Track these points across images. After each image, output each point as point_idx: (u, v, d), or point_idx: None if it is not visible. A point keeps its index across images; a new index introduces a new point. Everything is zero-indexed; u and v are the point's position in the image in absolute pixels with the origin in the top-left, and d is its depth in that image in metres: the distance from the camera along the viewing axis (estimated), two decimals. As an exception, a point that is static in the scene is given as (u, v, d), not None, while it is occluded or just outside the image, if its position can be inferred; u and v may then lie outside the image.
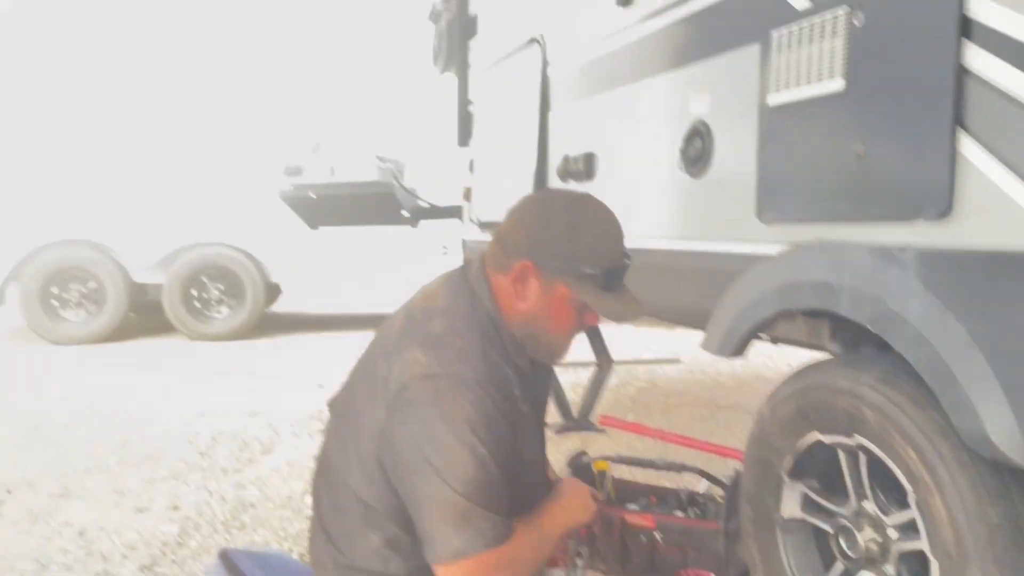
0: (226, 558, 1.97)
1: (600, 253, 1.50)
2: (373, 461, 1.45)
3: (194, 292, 6.94)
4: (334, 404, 1.68)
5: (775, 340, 2.67)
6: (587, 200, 1.57)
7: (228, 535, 2.67)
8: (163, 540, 2.63)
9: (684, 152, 2.16)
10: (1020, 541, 1.35)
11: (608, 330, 3.04)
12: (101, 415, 4.16)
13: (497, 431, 1.41)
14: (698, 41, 2.10)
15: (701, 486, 2.83)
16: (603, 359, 3.86)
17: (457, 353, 1.42)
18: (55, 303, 6.67)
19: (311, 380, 5.20)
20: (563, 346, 1.61)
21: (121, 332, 6.78)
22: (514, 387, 1.53)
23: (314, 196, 4.40)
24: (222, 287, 7.02)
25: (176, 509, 2.91)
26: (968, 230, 1.35)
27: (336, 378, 4.53)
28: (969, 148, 1.34)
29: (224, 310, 7.05)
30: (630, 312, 1.55)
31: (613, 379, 5.12)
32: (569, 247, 1.48)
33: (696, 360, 5.73)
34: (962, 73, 1.34)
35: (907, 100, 1.45)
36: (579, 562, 2.21)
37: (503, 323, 1.53)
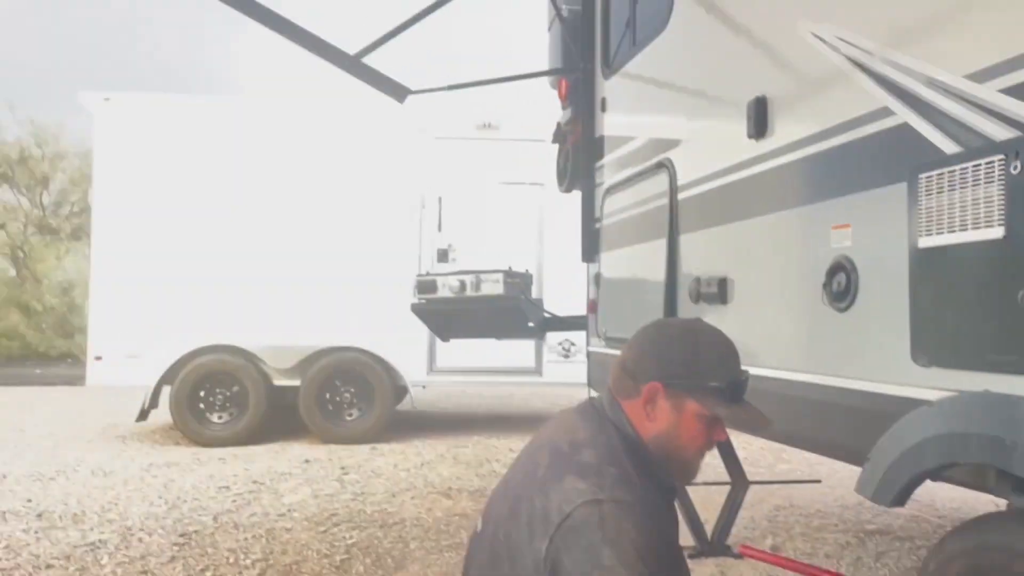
0: None
1: (722, 368, 1.58)
2: None
3: (327, 395, 7.24)
4: (478, 543, 1.71)
5: (934, 478, 2.51)
6: (700, 323, 1.68)
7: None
8: (303, 662, 2.67)
9: (827, 286, 2.12)
10: None
11: (740, 442, 2.93)
12: (244, 525, 4.34)
13: (661, 554, 1.43)
14: (840, 176, 2.09)
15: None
16: (738, 478, 3.72)
17: (615, 479, 1.46)
18: (202, 406, 7.11)
19: (437, 488, 5.26)
20: (696, 463, 1.65)
21: (260, 435, 7.11)
22: (667, 509, 1.57)
23: (444, 311, 4.56)
24: (353, 390, 7.30)
25: (315, 628, 2.97)
26: None
27: (461, 485, 4.55)
28: None
29: (355, 412, 7.30)
30: (759, 422, 1.60)
31: (751, 495, 4.90)
32: (694, 365, 1.57)
33: (836, 475, 5.41)
34: None
35: (1078, 252, 1.39)
36: None
37: (642, 447, 1.59)
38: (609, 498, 1.41)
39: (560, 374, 7.57)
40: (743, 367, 1.61)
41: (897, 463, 1.78)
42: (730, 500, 3.49)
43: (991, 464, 1.52)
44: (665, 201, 3.21)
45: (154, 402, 7.03)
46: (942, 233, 1.69)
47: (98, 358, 7.15)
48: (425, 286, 4.52)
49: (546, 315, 4.78)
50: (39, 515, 4.50)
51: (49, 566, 3.63)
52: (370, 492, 5.15)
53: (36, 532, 4.16)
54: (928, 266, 1.75)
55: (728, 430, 1.68)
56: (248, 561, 3.72)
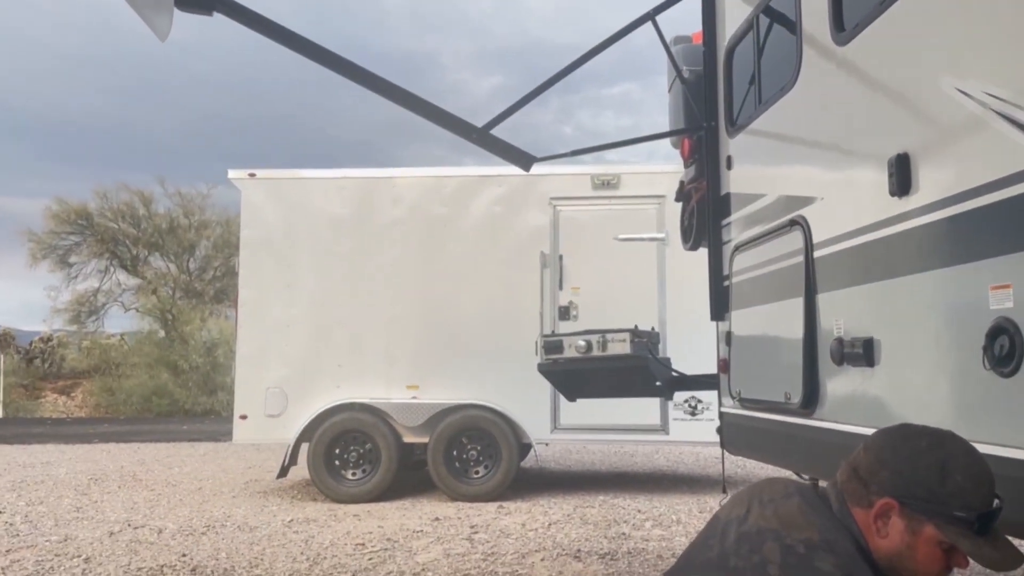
0: None
1: (972, 496, 1.49)
2: None
3: (455, 452, 7.36)
4: None
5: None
6: (953, 439, 1.57)
7: None
8: None
9: (988, 349, 2.02)
10: None
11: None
12: (380, 581, 4.45)
13: None
14: (996, 235, 2.00)
15: None
16: None
17: None
18: (337, 463, 7.38)
19: (566, 549, 5.21)
20: None
21: (391, 491, 7.30)
22: None
23: (571, 371, 4.58)
24: (480, 447, 7.40)
25: None
26: None
27: (590, 547, 4.45)
28: None
29: (481, 470, 7.38)
30: (1009, 560, 1.49)
31: None
32: (939, 488, 1.49)
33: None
34: None
35: None
36: None
37: (872, 559, 1.53)
38: None
39: (686, 432, 7.40)
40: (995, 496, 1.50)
41: (1084, 543, 1.65)
42: None
43: None
44: (800, 259, 3.14)
45: (293, 459, 7.36)
46: (1122, 296, 1.58)
47: (243, 417, 7.58)
48: (551, 346, 4.57)
49: (674, 374, 4.72)
50: (193, 569, 4.77)
51: (206, 619, 3.84)
52: (500, 552, 5.17)
53: (192, 585, 4.41)
54: (1107, 331, 1.64)
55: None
56: (387, 621, 3.80)
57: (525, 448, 7.71)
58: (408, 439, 7.44)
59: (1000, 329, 1.98)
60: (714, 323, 4.30)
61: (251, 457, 10.39)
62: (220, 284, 25.73)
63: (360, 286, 7.71)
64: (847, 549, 1.52)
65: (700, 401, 7.27)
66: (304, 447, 7.37)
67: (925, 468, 1.50)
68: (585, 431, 7.59)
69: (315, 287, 7.74)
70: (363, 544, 5.40)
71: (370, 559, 5.00)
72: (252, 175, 7.99)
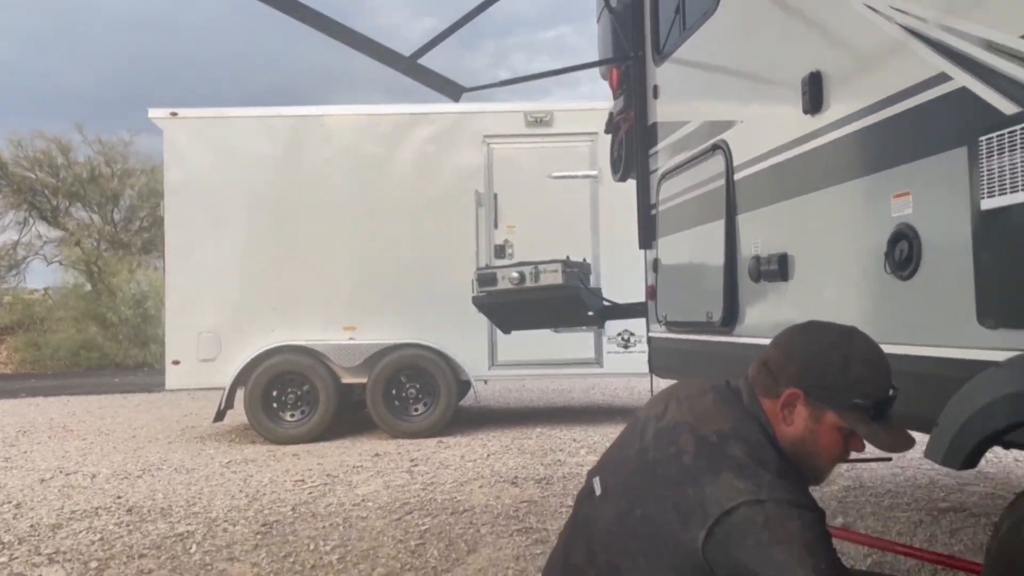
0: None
1: (870, 385, 1.60)
2: (682, 570, 1.53)
3: (393, 391, 7.42)
4: (599, 508, 1.76)
5: (1006, 445, 2.49)
6: (855, 333, 1.68)
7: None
8: (386, 639, 2.79)
9: (889, 255, 2.14)
10: None
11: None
12: (321, 514, 4.51)
13: (826, 544, 1.49)
14: (899, 145, 2.10)
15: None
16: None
17: (771, 477, 1.52)
18: (275, 405, 7.36)
19: (504, 477, 5.36)
20: (828, 469, 1.70)
21: (330, 431, 7.33)
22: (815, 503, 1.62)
23: (505, 303, 4.64)
24: (418, 386, 7.46)
25: (395, 608, 3.09)
26: None
27: (527, 474, 4.62)
28: None
29: (420, 407, 7.46)
30: (901, 443, 1.62)
31: (815, 477, 4.87)
32: (840, 379, 1.59)
33: (908, 458, 5.32)
34: None
35: None
36: None
37: (778, 445, 1.63)
38: (770, 498, 1.48)
39: (619, 365, 7.61)
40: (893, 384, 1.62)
41: (966, 425, 1.79)
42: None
43: (1062, 419, 1.53)
44: (722, 183, 3.23)
45: (229, 403, 7.30)
46: (1004, 194, 1.70)
47: (176, 362, 7.46)
48: (485, 279, 4.62)
49: (605, 303, 4.83)
50: (129, 510, 4.74)
51: (142, 555, 3.84)
52: (439, 482, 5.28)
53: (127, 525, 4.39)
54: (991, 227, 1.76)
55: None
56: (327, 547, 3.87)
57: (464, 385, 7.81)
58: (346, 380, 7.45)
59: (900, 235, 2.10)
60: (643, 253, 4.40)
61: (187, 405, 10.26)
62: (148, 235, 24.87)
63: (292, 228, 7.58)
64: (756, 437, 1.62)
65: (632, 335, 7.46)
66: (241, 392, 7.32)
67: (829, 360, 1.60)
68: (522, 367, 7.71)
69: (245, 230, 7.58)
70: (303, 480, 5.45)
71: (310, 493, 5.05)
72: (174, 114, 7.71)
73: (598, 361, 7.65)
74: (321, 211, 7.58)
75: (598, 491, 1.80)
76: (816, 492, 4.14)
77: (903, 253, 2.08)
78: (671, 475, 1.60)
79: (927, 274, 2.01)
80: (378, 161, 7.64)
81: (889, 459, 4.45)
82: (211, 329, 7.42)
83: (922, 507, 4.20)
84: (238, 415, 7.49)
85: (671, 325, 3.95)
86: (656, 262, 4.14)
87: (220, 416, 7.37)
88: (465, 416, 8.39)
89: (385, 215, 7.58)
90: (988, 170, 1.74)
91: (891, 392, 1.62)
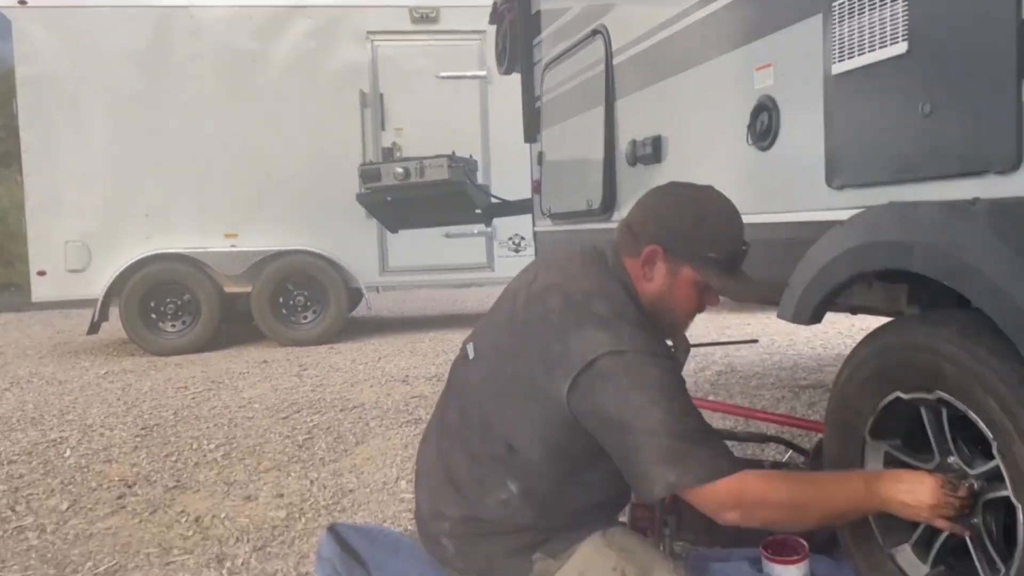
0: (335, 532, 2.13)
1: (723, 240, 1.68)
2: (549, 421, 1.60)
3: (280, 300, 7.26)
4: (471, 371, 1.81)
5: (854, 310, 2.69)
6: (710, 191, 1.75)
7: (331, 518, 2.84)
8: (272, 524, 2.81)
9: (751, 127, 2.21)
10: (1108, 483, 1.36)
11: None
12: (204, 416, 4.43)
13: (682, 390, 1.58)
14: (758, 17, 2.15)
15: (786, 457, 2.87)
16: (680, 342, 3.91)
17: (632, 330, 1.58)
18: (154, 316, 7.07)
19: (395, 376, 5.40)
20: (684, 322, 1.80)
21: (215, 341, 7.15)
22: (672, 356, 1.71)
23: (390, 199, 4.57)
24: (307, 293, 7.33)
25: (281, 496, 3.10)
26: (1039, 179, 1.37)
27: (418, 372, 4.68)
28: (1035, 99, 1.36)
29: (309, 315, 7.35)
30: (750, 292, 1.74)
31: (692, 363, 5.15)
32: (695, 234, 1.66)
33: (774, 342, 5.69)
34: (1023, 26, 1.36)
35: (970, 57, 1.48)
36: (666, 531, 2.29)
37: (639, 302, 1.70)
38: (630, 349, 1.54)
39: (511, 268, 7.64)
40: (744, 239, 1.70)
41: (813, 282, 1.91)
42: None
43: (895, 268, 1.65)
44: (601, 69, 3.23)
45: (103, 315, 6.98)
46: (852, 57, 1.77)
47: (41, 273, 7.02)
48: (369, 175, 4.52)
49: (493, 200, 4.83)
50: (-4, 422, 4.52)
51: (11, 461, 3.68)
52: (329, 384, 5.27)
53: (-5, 436, 4.19)
54: (840, 91, 1.84)
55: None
56: (211, 445, 3.82)
57: (355, 293, 7.73)
58: (230, 288, 7.22)
59: (762, 107, 2.17)
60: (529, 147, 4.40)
61: (59, 323, 9.75)
62: (5, 146, 22.90)
63: (162, 129, 7.12)
64: (618, 294, 1.68)
65: (523, 238, 7.53)
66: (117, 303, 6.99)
67: (685, 217, 1.68)
68: (414, 272, 7.68)
69: (110, 131, 7.07)
70: (185, 387, 5.32)
71: (193, 398, 4.94)
72: (23, 2, 7.00)
73: (490, 265, 7.70)
74: (193, 111, 7.15)
75: (471, 355, 1.84)
76: (692, 375, 4.39)
77: (764, 124, 2.16)
78: (539, 333, 1.65)
79: (784, 143, 2.10)
80: (253, 57, 7.22)
81: (755, 341, 4.76)
82: (78, 237, 6.99)
83: (785, 385, 4.52)
84: (115, 329, 7.18)
85: (555, 217, 4.00)
86: (541, 155, 4.15)
87: (94, 328, 7.04)
88: (357, 325, 8.35)
89: (264, 116, 7.23)
90: (839, 35, 1.80)
91: (743, 247, 1.70)
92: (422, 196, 4.47)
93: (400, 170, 4.39)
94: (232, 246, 7.17)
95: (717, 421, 3.55)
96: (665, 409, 1.50)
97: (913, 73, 1.61)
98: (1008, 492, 1.50)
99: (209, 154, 7.17)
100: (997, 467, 1.53)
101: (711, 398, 4.17)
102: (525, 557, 1.69)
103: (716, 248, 1.66)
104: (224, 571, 2.46)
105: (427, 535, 1.81)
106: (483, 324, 1.89)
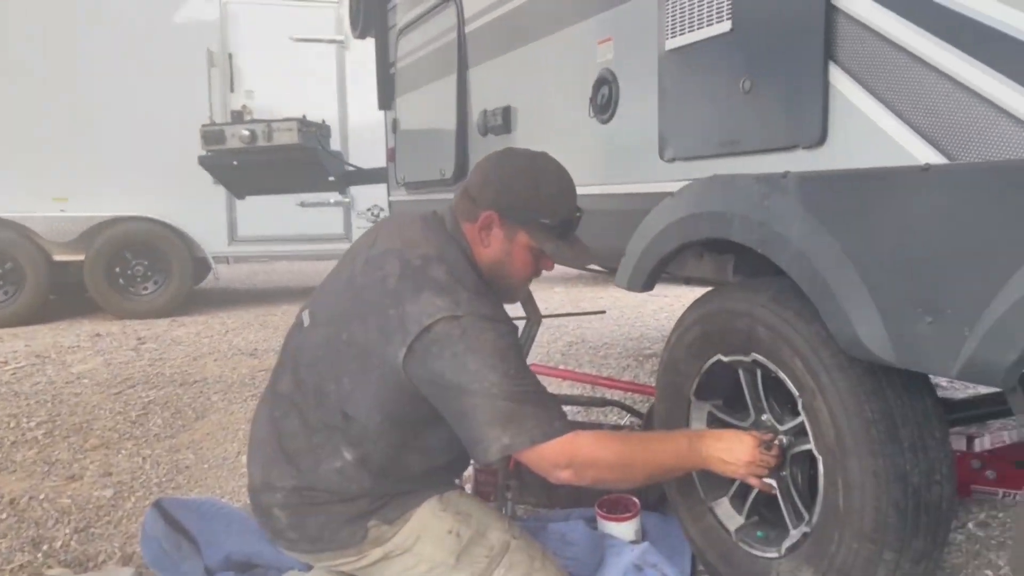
0: (161, 508, 2.02)
1: (557, 206, 1.70)
2: (386, 387, 1.58)
3: (117, 269, 6.78)
4: (306, 337, 1.76)
5: (688, 280, 2.82)
6: (546, 158, 1.76)
7: (164, 496, 2.69)
8: (97, 504, 2.64)
9: (593, 100, 2.26)
10: (893, 434, 1.50)
11: (539, 291, 3.12)
12: (25, 393, 4.09)
13: (518, 354, 1.59)
14: (602, -9, 2.19)
15: (624, 420, 2.98)
16: (532, 314, 3.99)
17: (469, 295, 1.58)
18: (-29, 286, 6.44)
19: (242, 350, 5.19)
20: (521, 287, 1.82)
21: (43, 313, 6.59)
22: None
23: (236, 163, 4.34)
24: (147, 263, 6.88)
25: (109, 475, 2.91)
26: (840, 155, 1.48)
27: (268, 346, 4.51)
28: (839, 80, 1.47)
29: (150, 286, 6.91)
30: (582, 258, 1.78)
31: (544, 335, 5.27)
32: (530, 200, 1.67)
33: (623, 314, 5.92)
34: (831, 10, 1.46)
35: (785, 38, 1.57)
36: (508, 495, 2.34)
37: (477, 267, 1.71)
38: (467, 313, 1.54)
39: (369, 240, 7.53)
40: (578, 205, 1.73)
41: (646, 251, 1.99)
42: (525, 333, 3.76)
43: (716, 237, 1.74)
44: (453, 36, 3.21)
45: (-91, 285, 6.27)
46: (683, 33, 1.84)
47: None
48: (212, 137, 4.28)
49: (347, 167, 4.70)
50: None
51: None
52: (169, 358, 4.99)
53: None
54: (672, 67, 1.91)
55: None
56: (31, 424, 3.53)
57: (201, 264, 7.32)
58: (59, 257, 6.65)
59: (603, 80, 2.22)
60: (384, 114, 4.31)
61: None
62: None
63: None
64: (456, 259, 1.68)
65: (383, 209, 7.37)
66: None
67: (521, 183, 1.69)
68: (266, 242, 7.37)
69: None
70: (5, 362, 4.88)
71: (13, 374, 4.54)
72: None
73: (347, 236, 7.50)
74: (14, 65, 6.49)
75: (307, 322, 1.79)
76: (544, 346, 4.46)
77: (604, 97, 2.21)
78: (376, 298, 1.62)
79: (623, 116, 2.16)
80: (85, 8, 6.63)
81: (603, 312, 4.93)
82: None
83: (631, 354, 4.72)
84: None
85: (410, 186, 3.95)
86: (395, 123, 4.08)
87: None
88: (205, 297, 7.95)
89: (99, 73, 6.66)
90: (672, 12, 1.87)
91: (577, 213, 1.74)
92: (270, 161, 4.28)
93: (246, 132, 4.18)
94: (61, 211, 6.61)
95: (566, 388, 3.66)
96: (500, 372, 1.52)
97: (735, 51, 1.69)
98: (811, 446, 1.63)
99: (35, 112, 6.55)
100: (802, 423, 1.66)
101: (561, 367, 4.28)
102: (360, 524, 1.67)
103: (550, 214, 1.69)
104: (40, 555, 2.28)
105: (259, 507, 1.75)
106: (320, 290, 1.84)
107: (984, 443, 2.43)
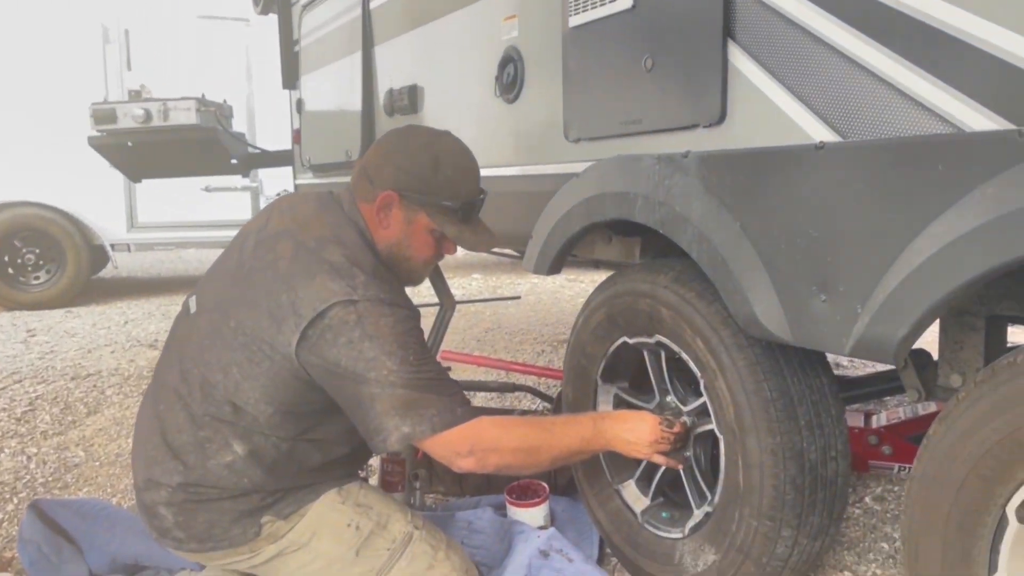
0: (38, 509, 1.89)
1: (459, 188, 1.63)
2: (278, 376, 1.51)
3: (6, 258, 6.36)
4: (192, 325, 1.65)
5: (597, 264, 2.82)
6: (448, 137, 1.69)
7: (50, 496, 2.52)
8: (-27, 508, 2.45)
9: (499, 79, 2.21)
10: (791, 412, 1.52)
11: (456, 277, 3.06)
12: None
13: (418, 339, 1.52)
14: (506, -34, 2.14)
15: (536, 406, 2.96)
16: (446, 299, 3.93)
17: (366, 278, 1.50)
18: None
19: (142, 341, 4.95)
20: (422, 271, 1.74)
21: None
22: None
23: (131, 144, 4.10)
24: (38, 251, 6.48)
25: (-12, 477, 2.71)
26: (739, 134, 1.47)
27: (159, 337, 4.26)
28: (738, 58, 1.46)
29: (42, 276, 6.52)
30: (484, 242, 1.71)
31: (461, 321, 5.21)
32: (431, 181, 1.60)
33: (540, 300, 5.92)
34: (729, -13, 1.45)
35: (686, 16, 1.56)
36: (416, 484, 2.28)
37: (376, 249, 1.63)
38: (363, 297, 1.46)
39: (280, 226, 7.29)
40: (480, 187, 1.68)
41: (552, 233, 1.96)
42: (439, 319, 3.70)
43: (620, 218, 1.72)
44: (358, 12, 3.10)
45: None
46: (587, 10, 1.80)
47: None
48: (103, 116, 4.03)
49: (251, 149, 4.52)
50: None
51: None
52: (61, 350, 4.71)
53: None
54: (575, 44, 1.88)
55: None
56: (-101, 425, 3.26)
57: (99, 252, 6.92)
58: (-60, 245, 6.21)
59: (508, 58, 2.17)
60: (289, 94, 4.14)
61: None
62: None
63: None
64: (353, 240, 1.60)
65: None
66: None
67: (421, 162, 1.62)
68: (168, 229, 7.02)
69: None
70: None
71: None
72: None
73: (255, 222, 7.24)
74: None
75: (193, 309, 1.69)
76: (460, 333, 4.40)
77: (510, 76, 2.16)
78: (266, 282, 1.54)
79: (528, 95, 2.12)
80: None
81: (518, 298, 4.91)
82: None
83: (546, 340, 4.71)
84: None
85: (316, 169, 3.82)
86: (300, 103, 3.93)
87: None
88: (104, 287, 7.55)
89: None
90: (577, -13, 1.83)
91: (480, 196, 1.69)
92: (168, 142, 4.06)
93: (140, 112, 3.95)
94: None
95: (480, 374, 3.62)
96: (399, 359, 1.46)
97: (638, 29, 1.67)
98: (713, 426, 1.63)
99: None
100: (704, 403, 1.66)
101: (476, 353, 4.24)
102: (252, 521, 1.58)
103: (452, 196, 1.63)
104: (-98, 567, 2.10)
105: (144, 506, 1.64)
106: (208, 275, 1.73)
107: (880, 420, 2.52)
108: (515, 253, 4.79)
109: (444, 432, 1.47)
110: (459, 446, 1.49)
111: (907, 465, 2.38)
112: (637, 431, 1.67)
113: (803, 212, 1.31)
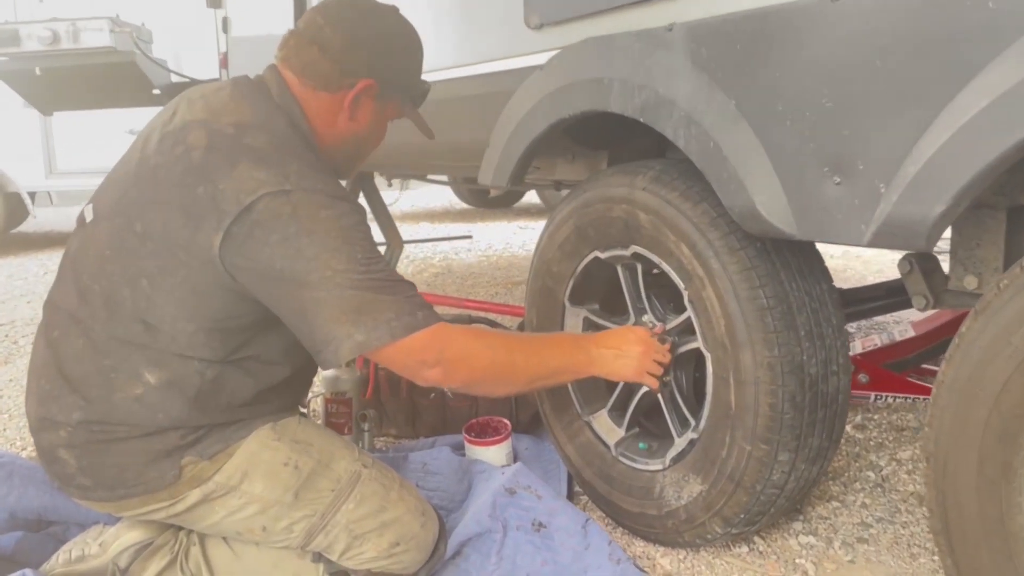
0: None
1: (421, 71, 1.53)
2: (198, 286, 1.27)
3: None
4: (91, 235, 1.38)
5: (558, 186, 2.61)
6: (397, 10, 1.50)
7: (-53, 452, 2.24)
8: None
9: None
10: (790, 321, 1.34)
11: (403, 223, 2.82)
12: None
13: (365, 233, 1.28)
14: None
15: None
16: (393, 239, 3.69)
17: (300, 166, 1.27)
18: None
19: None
20: (363, 161, 1.59)
21: None
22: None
23: (39, 72, 3.70)
24: (-55, 200, 5.99)
25: None
26: (733, -2, 1.26)
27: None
28: (732, -92, 1.24)
29: (-49, 226, 6.04)
30: (429, 130, 1.58)
31: (409, 266, 4.98)
32: (408, 67, 1.48)
33: (491, 246, 5.70)
34: None
35: None
36: (365, 426, 2.07)
37: (316, 143, 1.42)
38: (298, 188, 1.22)
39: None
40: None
41: (512, 137, 1.73)
42: (386, 258, 3.49)
43: (591, 108, 1.50)
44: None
45: None
46: None
47: None
48: (5, 37, 3.61)
49: (176, 77, 4.13)
50: None
51: None
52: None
53: None
54: (539, -87, 1.64)
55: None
56: None
57: (16, 201, 6.41)
58: None
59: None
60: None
61: None
62: None
63: None
64: (282, 128, 1.34)
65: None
66: None
67: (398, 46, 1.46)
68: (92, 175, 6.52)
69: None
70: None
71: None
72: None
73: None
74: None
75: (89, 218, 1.42)
76: (408, 276, 4.15)
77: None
78: (177, 176, 1.28)
79: (482, -19, 1.87)
80: None
81: (469, 237, 4.69)
82: None
83: (500, 283, 4.51)
84: None
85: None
86: (226, 22, 3.57)
87: None
88: (23, 240, 7.06)
89: None
90: None
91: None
92: (80, 67, 3.67)
93: (47, 33, 3.55)
94: None
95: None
96: (345, 256, 1.22)
97: None
98: (698, 343, 1.45)
99: None
100: (688, 320, 1.48)
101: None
102: (172, 462, 1.34)
103: (421, 81, 1.51)
104: None
105: (43, 450, 1.39)
106: (106, 180, 1.46)
107: (856, 347, 2.40)
108: (447, 181, 4.54)
109: (405, 338, 1.24)
110: (424, 354, 1.27)
111: (884, 393, 2.27)
112: (626, 344, 1.50)
113: (814, 79, 1.11)
